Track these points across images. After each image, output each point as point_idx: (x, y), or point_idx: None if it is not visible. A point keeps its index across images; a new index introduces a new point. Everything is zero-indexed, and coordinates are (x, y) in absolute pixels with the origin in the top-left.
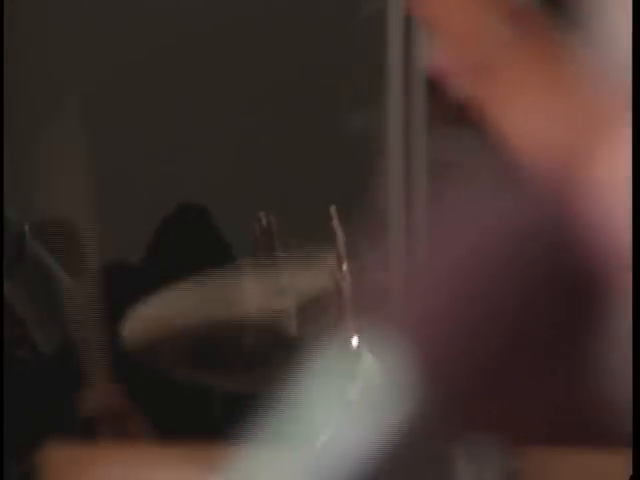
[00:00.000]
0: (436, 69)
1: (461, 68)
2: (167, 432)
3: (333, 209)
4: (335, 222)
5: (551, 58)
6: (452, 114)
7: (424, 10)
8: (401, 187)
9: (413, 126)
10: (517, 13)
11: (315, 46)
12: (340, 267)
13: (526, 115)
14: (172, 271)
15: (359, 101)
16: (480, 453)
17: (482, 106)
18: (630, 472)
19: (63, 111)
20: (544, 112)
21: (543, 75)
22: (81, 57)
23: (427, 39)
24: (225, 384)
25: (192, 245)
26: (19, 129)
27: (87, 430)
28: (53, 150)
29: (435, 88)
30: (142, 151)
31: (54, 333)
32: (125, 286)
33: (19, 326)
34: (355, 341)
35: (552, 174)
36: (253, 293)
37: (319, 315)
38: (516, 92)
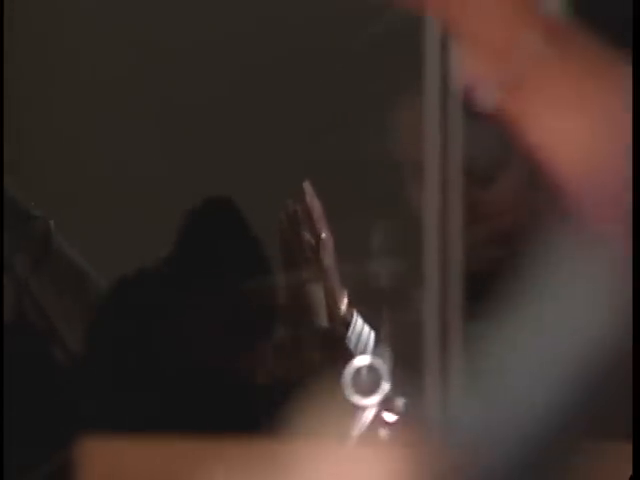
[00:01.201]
0: (467, 81)
1: (492, 81)
2: (204, 426)
3: (307, 185)
4: (309, 197)
5: (584, 74)
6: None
7: (456, 22)
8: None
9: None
10: (552, 29)
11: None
12: (318, 238)
13: (556, 130)
14: (201, 266)
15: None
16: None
17: (511, 119)
18: (630, 471)
19: (76, 106)
20: (574, 128)
21: (575, 92)
22: (85, 55)
23: (458, 51)
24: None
25: (220, 238)
26: (23, 127)
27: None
28: (67, 146)
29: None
30: (160, 146)
31: (82, 330)
32: (154, 282)
33: (47, 323)
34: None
35: (578, 189)
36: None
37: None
38: (547, 108)
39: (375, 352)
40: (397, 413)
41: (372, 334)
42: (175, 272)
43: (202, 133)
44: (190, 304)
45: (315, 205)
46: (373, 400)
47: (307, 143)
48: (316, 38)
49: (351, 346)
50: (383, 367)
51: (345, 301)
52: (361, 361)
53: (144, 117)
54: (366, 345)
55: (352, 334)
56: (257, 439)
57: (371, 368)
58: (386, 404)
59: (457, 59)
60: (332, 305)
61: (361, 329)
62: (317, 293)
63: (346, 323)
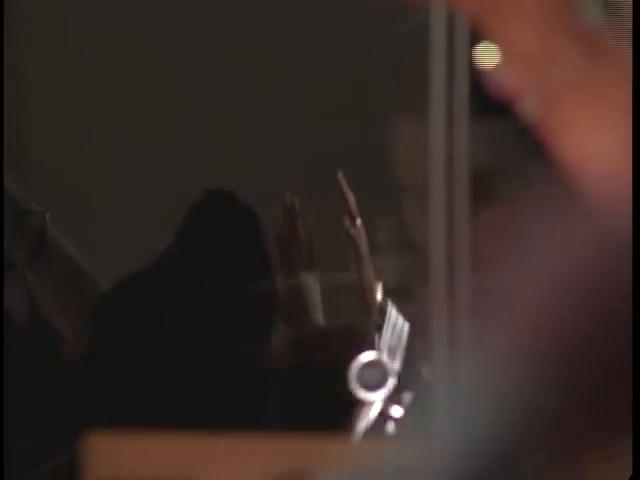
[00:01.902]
0: (500, 87)
1: (526, 88)
2: (208, 422)
3: (340, 175)
4: (344, 186)
5: (615, 84)
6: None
7: (491, 27)
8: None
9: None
10: (589, 38)
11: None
12: (354, 224)
13: (590, 142)
14: (202, 261)
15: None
16: None
17: (545, 127)
18: (630, 472)
19: (75, 101)
20: (608, 141)
21: (610, 103)
22: (84, 52)
23: (491, 55)
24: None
25: (221, 232)
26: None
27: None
28: (69, 140)
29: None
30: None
31: (80, 326)
32: (154, 277)
33: (46, 318)
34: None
35: (612, 201)
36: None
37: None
38: (581, 118)
39: (409, 343)
40: (404, 408)
41: (406, 324)
42: (175, 267)
43: (204, 129)
44: (191, 299)
45: (350, 196)
46: (379, 395)
47: (312, 140)
48: (319, 36)
49: (387, 336)
50: (389, 362)
51: (380, 291)
52: (367, 356)
53: (143, 109)
54: (400, 335)
55: (388, 324)
56: (262, 435)
57: (377, 363)
58: (392, 399)
59: (490, 62)
60: (368, 295)
61: (396, 319)
62: (314, 287)
63: (382, 313)
